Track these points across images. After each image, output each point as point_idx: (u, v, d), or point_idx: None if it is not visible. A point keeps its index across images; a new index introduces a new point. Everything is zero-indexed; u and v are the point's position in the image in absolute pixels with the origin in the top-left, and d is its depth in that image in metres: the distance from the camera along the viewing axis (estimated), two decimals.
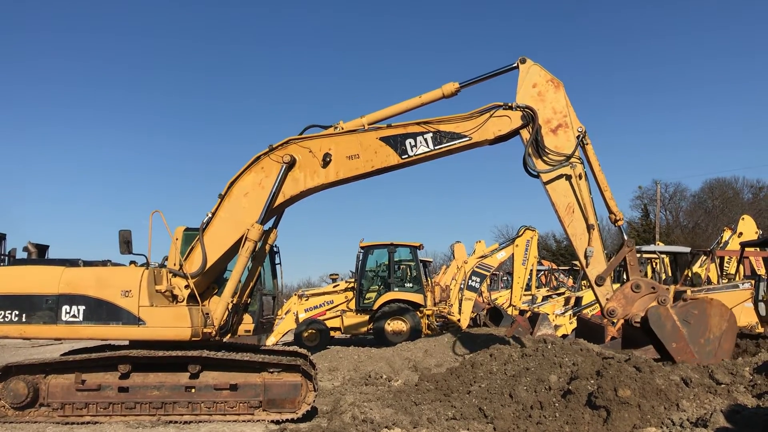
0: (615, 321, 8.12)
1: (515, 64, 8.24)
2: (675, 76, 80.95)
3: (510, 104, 8.10)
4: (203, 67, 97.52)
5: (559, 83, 8.15)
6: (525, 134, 8.09)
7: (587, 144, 8.09)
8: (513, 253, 19.38)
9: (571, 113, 8.10)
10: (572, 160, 8.00)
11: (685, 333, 7.55)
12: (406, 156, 8.03)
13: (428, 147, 8.03)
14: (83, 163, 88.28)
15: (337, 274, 22.01)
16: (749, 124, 77.75)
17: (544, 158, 8.04)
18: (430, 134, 8.03)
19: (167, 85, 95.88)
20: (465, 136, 8.04)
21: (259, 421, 7.71)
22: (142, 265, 8.25)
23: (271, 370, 7.81)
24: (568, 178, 8.02)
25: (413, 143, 8.02)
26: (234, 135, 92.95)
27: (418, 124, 8.08)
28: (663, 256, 19.13)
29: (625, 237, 8.24)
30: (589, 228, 7.95)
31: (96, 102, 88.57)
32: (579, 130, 8.04)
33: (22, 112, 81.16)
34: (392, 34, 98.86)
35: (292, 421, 7.61)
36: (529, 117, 8.02)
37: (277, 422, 7.63)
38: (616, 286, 17.67)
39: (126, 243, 7.89)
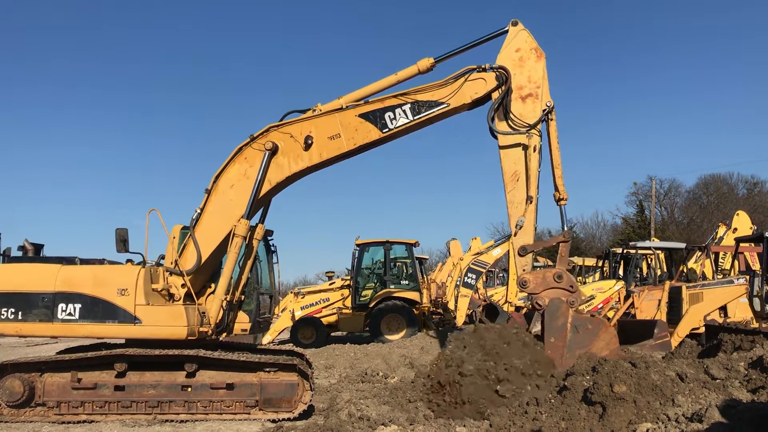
0: (524, 290, 8.09)
1: (506, 28, 8.26)
2: (669, 71, 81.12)
3: (483, 66, 8.16)
4: (198, 63, 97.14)
5: (541, 54, 8.17)
6: (495, 95, 8.17)
7: (551, 120, 8.12)
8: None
9: (544, 86, 8.14)
10: (532, 131, 8.03)
11: (568, 337, 7.58)
12: (387, 130, 8.13)
13: (407, 118, 8.13)
14: (78, 163, 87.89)
15: (333, 272, 22.11)
16: (744, 120, 78.02)
17: (508, 122, 8.11)
18: (408, 105, 8.13)
19: (163, 83, 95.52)
20: (443, 103, 8.14)
21: (255, 419, 7.72)
22: (138, 264, 8.25)
23: (268, 370, 7.80)
24: (524, 147, 8.05)
25: (392, 116, 8.12)
26: (230, 131, 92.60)
27: (395, 96, 8.18)
28: (658, 251, 19.20)
29: (566, 228, 8.28)
30: (528, 199, 8.02)
31: (93, 102, 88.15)
32: (547, 104, 8.09)
33: (18, 113, 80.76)
34: (365, 17, 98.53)
35: (289, 419, 7.62)
36: (503, 78, 8.07)
37: (274, 421, 7.64)
38: (611, 282, 17.83)
39: (123, 241, 7.88)
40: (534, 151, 8.03)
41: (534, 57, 8.15)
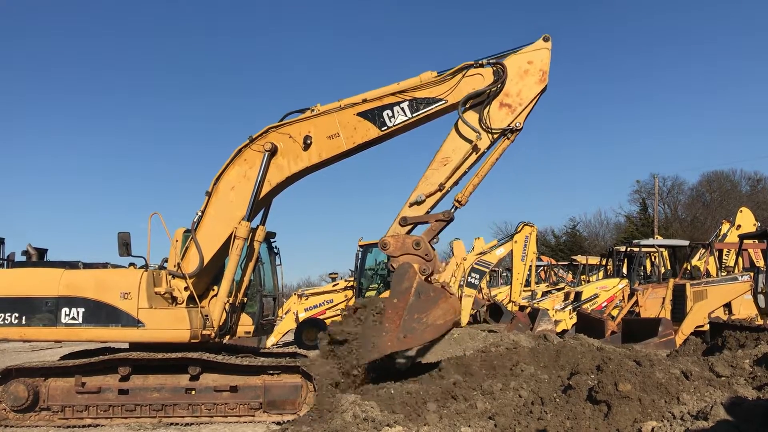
0: (386, 253, 8.01)
1: (537, 40, 8.11)
2: (672, 70, 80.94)
3: (481, 61, 8.07)
4: (198, 66, 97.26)
5: (545, 80, 8.03)
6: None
7: (509, 140, 8.02)
8: (512, 249, 19.38)
9: (526, 109, 8.02)
10: (485, 135, 7.95)
11: (410, 301, 7.50)
12: (386, 128, 8.08)
13: (406, 115, 8.08)
14: (81, 167, 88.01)
15: (337, 273, 22.02)
16: (746, 117, 77.82)
17: (480, 115, 8.00)
18: (407, 102, 8.07)
19: (164, 88, 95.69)
20: (441, 100, 8.07)
21: (260, 422, 7.72)
22: (141, 267, 8.25)
23: (271, 372, 7.81)
24: (473, 147, 7.96)
25: (391, 114, 8.08)
26: (230, 133, 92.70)
27: (393, 94, 8.12)
28: (662, 249, 19.13)
29: (452, 213, 8.15)
30: (440, 187, 7.99)
31: (93, 106, 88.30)
32: (516, 124, 7.97)
33: (18, 116, 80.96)
34: (366, 19, 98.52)
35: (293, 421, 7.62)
36: (500, 73, 7.98)
37: (279, 423, 7.64)
38: (615, 280, 17.78)
39: (125, 245, 7.91)
40: (476, 153, 7.98)
41: (537, 78, 8.01)
